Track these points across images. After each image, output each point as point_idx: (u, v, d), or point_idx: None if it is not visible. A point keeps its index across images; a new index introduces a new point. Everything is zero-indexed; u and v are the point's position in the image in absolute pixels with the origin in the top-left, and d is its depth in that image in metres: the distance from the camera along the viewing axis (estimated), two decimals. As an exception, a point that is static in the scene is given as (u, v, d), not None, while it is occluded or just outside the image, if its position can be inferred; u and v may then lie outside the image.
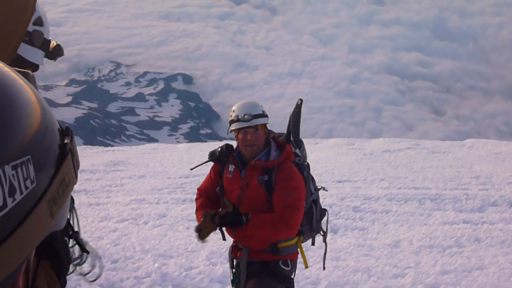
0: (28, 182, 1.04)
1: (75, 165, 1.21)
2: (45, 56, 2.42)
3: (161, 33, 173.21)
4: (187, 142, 43.85)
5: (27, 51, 2.24)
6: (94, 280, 2.74)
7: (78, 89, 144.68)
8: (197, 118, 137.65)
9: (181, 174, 17.64)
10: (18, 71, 1.22)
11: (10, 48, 2.04)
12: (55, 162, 1.16)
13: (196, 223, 5.51)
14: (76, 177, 1.22)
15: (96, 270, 2.88)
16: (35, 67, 2.36)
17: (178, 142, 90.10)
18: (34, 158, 1.06)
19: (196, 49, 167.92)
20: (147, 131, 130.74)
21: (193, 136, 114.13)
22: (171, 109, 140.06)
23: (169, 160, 20.81)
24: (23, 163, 1.03)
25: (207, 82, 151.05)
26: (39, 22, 2.28)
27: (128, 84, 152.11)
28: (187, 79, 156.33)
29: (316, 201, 5.88)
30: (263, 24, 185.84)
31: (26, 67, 2.28)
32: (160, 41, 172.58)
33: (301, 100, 5.97)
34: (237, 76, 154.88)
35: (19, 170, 1.01)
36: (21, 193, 1.02)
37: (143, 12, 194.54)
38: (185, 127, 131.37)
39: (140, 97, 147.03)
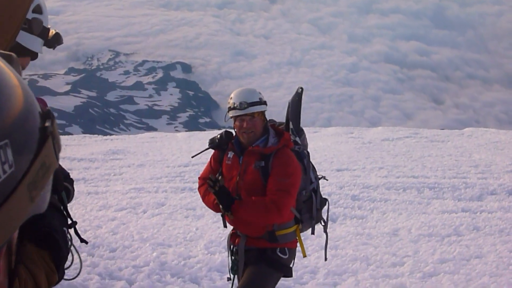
0: (6, 166, 1.02)
1: (56, 148, 1.20)
2: (44, 44, 2.41)
3: (160, 22, 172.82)
4: (186, 131, 43.84)
5: (26, 39, 2.23)
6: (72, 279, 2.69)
7: (77, 77, 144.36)
8: (196, 107, 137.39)
9: (180, 163, 17.65)
10: (2, 54, 1.22)
11: (9, 35, 2.04)
12: (36, 145, 1.13)
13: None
14: (58, 160, 1.21)
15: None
16: (34, 55, 2.35)
17: (177, 131, 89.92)
18: (13, 142, 1.04)
19: (195, 37, 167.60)
20: (146, 120, 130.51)
21: (192, 125, 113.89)
22: (170, 98, 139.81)
23: (168, 149, 20.82)
24: (1, 147, 1.00)
25: (206, 70, 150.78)
26: (38, 10, 2.27)
27: (127, 73, 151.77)
28: (186, 68, 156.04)
29: (316, 190, 5.88)
30: (262, 12, 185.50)
31: (25, 54, 2.27)
32: (159, 29, 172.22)
33: (302, 88, 5.97)
34: (236, 65, 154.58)
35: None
36: None
37: (141, 0, 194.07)
38: (184, 116, 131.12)
39: (139, 86, 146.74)
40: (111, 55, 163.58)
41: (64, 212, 2.47)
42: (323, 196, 6.05)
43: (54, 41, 2.46)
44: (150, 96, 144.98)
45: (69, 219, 2.50)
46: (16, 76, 1.14)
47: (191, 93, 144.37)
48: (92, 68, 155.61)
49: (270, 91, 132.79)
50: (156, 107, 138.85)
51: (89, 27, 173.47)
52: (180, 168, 16.84)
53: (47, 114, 1.20)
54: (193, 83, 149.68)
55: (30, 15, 2.22)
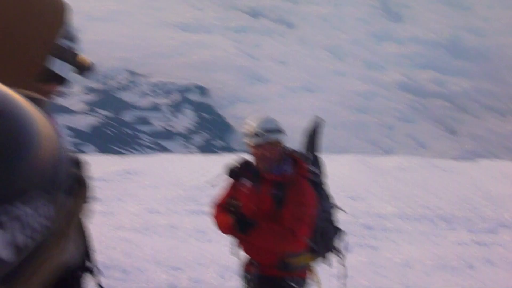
0: (39, 218, 0.99)
1: (86, 196, 1.16)
2: (74, 71, 2.40)
3: (178, 44, 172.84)
4: (200, 153, 43.79)
5: (55, 65, 2.24)
6: None
7: (94, 97, 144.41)
8: (210, 130, 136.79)
9: (194, 185, 17.63)
10: (33, 98, 1.20)
11: (38, 60, 2.07)
12: (67, 194, 1.11)
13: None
14: (86, 209, 1.17)
15: None
16: (63, 81, 2.36)
17: (191, 153, 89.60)
18: (44, 192, 1.01)
19: (212, 61, 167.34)
20: (161, 141, 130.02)
21: (206, 148, 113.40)
22: (185, 120, 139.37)
23: (182, 170, 20.81)
24: (34, 198, 0.97)
25: (222, 94, 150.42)
26: (69, 36, 2.28)
27: (143, 93, 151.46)
28: (202, 91, 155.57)
29: (331, 220, 5.88)
30: (279, 37, 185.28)
31: (54, 80, 2.28)
32: (177, 52, 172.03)
33: (322, 119, 5.99)
34: (252, 89, 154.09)
35: (29, 206, 0.96)
36: (34, 230, 0.98)
37: (160, 22, 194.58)
38: (198, 138, 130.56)
39: (154, 107, 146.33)
40: (128, 76, 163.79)
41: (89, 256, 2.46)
42: (338, 226, 6.06)
43: (84, 68, 2.47)
44: (166, 117, 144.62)
45: (92, 265, 2.48)
46: (49, 122, 1.13)
47: (206, 115, 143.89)
48: (109, 88, 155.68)
49: (285, 116, 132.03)
50: (171, 129, 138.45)
51: (107, 47, 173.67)
52: (194, 190, 16.83)
53: (77, 161, 1.18)
54: (209, 106, 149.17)
55: (60, 41, 2.24)
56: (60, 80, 2.34)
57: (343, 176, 20.06)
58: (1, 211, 0.92)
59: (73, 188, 1.10)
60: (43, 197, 1.00)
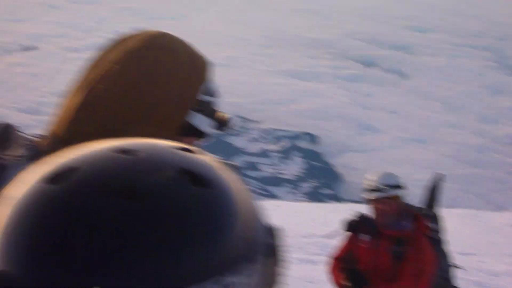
0: (246, 287, 1.01)
1: (280, 264, 1.19)
2: (213, 126, 2.46)
3: (290, 91, 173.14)
4: (308, 201, 43.69)
5: (195, 119, 2.34)
6: None
7: (205, 142, 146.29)
8: (319, 178, 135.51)
9: (302, 233, 17.56)
10: (227, 163, 1.23)
11: (180, 116, 2.19)
12: (266, 262, 1.10)
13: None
14: (281, 276, 1.20)
15: None
16: (203, 136, 2.45)
17: (299, 200, 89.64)
18: (248, 261, 1.03)
19: (323, 109, 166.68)
20: (269, 187, 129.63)
21: (314, 195, 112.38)
22: (293, 167, 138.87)
23: (290, 218, 20.77)
24: (240, 267, 1.00)
25: (331, 142, 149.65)
26: (210, 92, 2.40)
27: (253, 139, 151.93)
28: (312, 138, 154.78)
29: (448, 278, 5.83)
30: (391, 87, 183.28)
31: (192, 134, 2.39)
32: (288, 99, 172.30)
33: (442, 175, 5.98)
34: (362, 138, 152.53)
35: (237, 276, 0.99)
36: None
37: (274, 70, 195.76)
38: (306, 186, 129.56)
39: (264, 153, 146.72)
40: (239, 121, 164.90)
41: None
42: (455, 284, 5.99)
43: (222, 123, 2.56)
44: (274, 164, 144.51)
45: None
46: (243, 187, 1.15)
47: (315, 163, 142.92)
48: (221, 133, 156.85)
49: (395, 166, 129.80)
50: (279, 175, 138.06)
51: (222, 93, 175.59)
52: (303, 239, 16.76)
53: (270, 227, 1.20)
54: (318, 154, 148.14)
55: (201, 96, 2.35)
56: (199, 134, 2.44)
57: (453, 230, 19.64)
58: (212, 281, 0.95)
59: (270, 255, 1.11)
60: (247, 266, 1.02)
